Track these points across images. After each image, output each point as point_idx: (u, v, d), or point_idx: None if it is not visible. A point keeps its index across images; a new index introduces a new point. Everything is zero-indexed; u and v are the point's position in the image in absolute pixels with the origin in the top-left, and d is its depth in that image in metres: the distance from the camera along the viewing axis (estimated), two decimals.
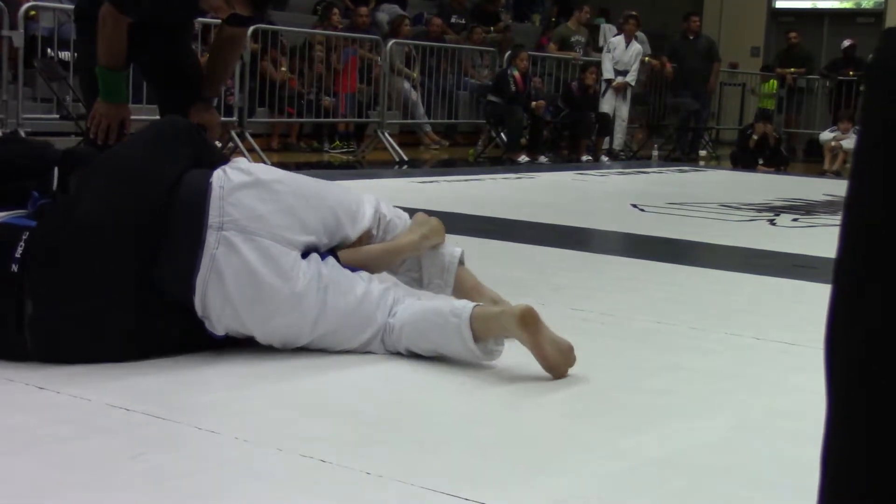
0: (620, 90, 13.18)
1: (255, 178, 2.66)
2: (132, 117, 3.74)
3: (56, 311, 2.51)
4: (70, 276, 2.52)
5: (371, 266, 2.87)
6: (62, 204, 2.59)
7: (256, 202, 2.62)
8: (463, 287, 3.00)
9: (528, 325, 2.57)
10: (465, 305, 2.66)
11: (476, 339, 2.61)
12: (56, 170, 2.65)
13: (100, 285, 2.52)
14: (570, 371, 2.64)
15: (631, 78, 13.20)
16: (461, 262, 3.02)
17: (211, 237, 2.56)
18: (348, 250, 2.85)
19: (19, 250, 2.50)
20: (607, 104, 13.24)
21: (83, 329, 2.52)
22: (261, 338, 2.66)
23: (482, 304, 2.74)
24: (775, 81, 16.20)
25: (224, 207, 2.58)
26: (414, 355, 2.73)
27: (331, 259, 2.74)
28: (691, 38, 13.95)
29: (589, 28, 14.59)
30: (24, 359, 2.52)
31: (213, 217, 2.57)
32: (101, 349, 2.54)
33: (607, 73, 13.15)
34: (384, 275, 2.98)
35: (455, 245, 3.07)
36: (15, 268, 2.50)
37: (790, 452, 2.15)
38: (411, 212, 3.12)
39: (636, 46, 13.32)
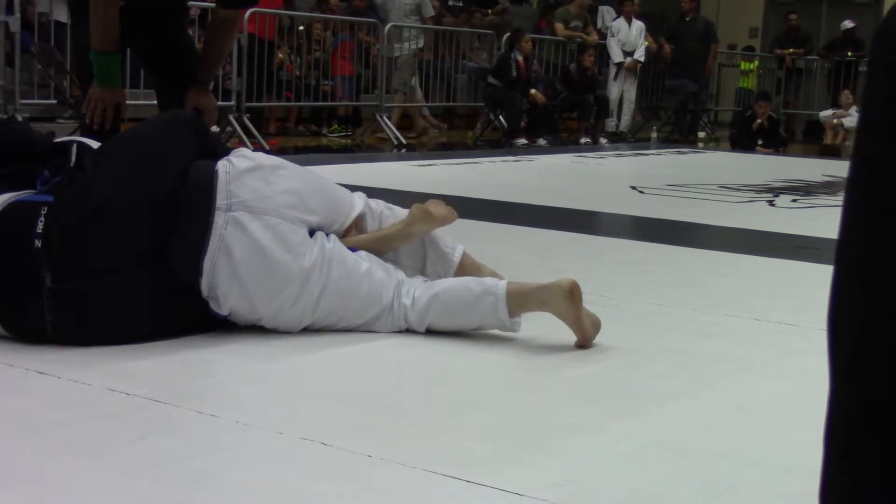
0: (632, 70, 13.18)
1: (258, 163, 2.73)
2: (130, 102, 3.73)
3: (74, 284, 2.53)
4: (88, 252, 2.55)
5: None
6: (79, 182, 2.61)
7: (261, 184, 2.68)
8: (462, 266, 3.06)
9: (576, 300, 2.69)
10: (498, 283, 2.75)
11: (510, 314, 2.72)
12: (75, 146, 2.67)
13: (116, 261, 2.56)
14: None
15: (639, 55, 13.22)
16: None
17: (219, 218, 2.61)
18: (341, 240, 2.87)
19: (40, 225, 2.53)
20: (616, 87, 13.23)
21: (100, 303, 2.55)
22: (266, 317, 2.68)
23: (514, 282, 2.80)
24: (744, 62, 16.19)
25: (231, 190, 2.64)
26: (414, 335, 2.75)
27: (333, 236, 2.78)
28: (688, 19, 13.92)
29: (589, 11, 14.55)
30: (41, 336, 2.53)
31: (221, 199, 2.63)
32: (117, 325, 2.58)
33: (616, 56, 13.15)
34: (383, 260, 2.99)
35: (456, 241, 3.12)
36: (38, 243, 2.53)
37: (792, 434, 2.15)
38: (413, 195, 3.13)
39: (638, 24, 13.34)
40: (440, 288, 2.78)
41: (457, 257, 3.06)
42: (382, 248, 2.94)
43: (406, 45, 11.83)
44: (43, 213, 2.55)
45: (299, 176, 2.79)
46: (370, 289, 2.75)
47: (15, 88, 8.74)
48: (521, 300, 2.72)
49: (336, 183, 3.00)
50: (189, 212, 2.61)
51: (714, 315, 3.25)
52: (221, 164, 2.70)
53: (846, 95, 12.97)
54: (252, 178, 2.67)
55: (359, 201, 2.98)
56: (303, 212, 2.71)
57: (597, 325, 2.78)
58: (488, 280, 2.80)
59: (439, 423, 2.15)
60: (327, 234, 2.77)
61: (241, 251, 2.60)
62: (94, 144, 2.77)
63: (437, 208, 3.03)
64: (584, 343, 2.74)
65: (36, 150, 2.78)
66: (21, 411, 2.11)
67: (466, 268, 3.06)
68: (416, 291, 2.78)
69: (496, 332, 2.79)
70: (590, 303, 2.99)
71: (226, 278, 2.61)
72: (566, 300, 2.68)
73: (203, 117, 3.78)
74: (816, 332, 2.74)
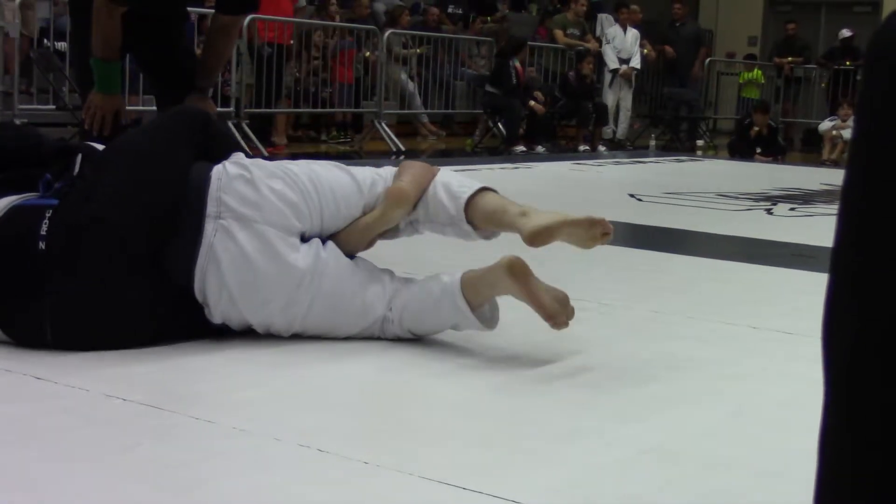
0: (627, 77, 13.21)
1: (249, 169, 2.69)
2: (129, 107, 3.75)
3: (76, 288, 2.53)
4: (89, 257, 2.54)
5: (351, 248, 2.80)
6: (80, 188, 2.62)
7: (251, 191, 2.64)
8: (485, 213, 2.88)
9: (518, 273, 2.60)
10: (453, 278, 2.69)
11: (472, 307, 2.65)
12: (79, 157, 2.67)
13: (116, 267, 2.56)
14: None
15: (635, 62, 13.26)
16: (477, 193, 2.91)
17: (209, 226, 2.60)
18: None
19: (44, 228, 2.54)
20: (612, 94, 13.26)
21: (101, 307, 2.55)
22: (256, 324, 2.68)
23: (469, 270, 2.70)
24: (745, 72, 16.20)
25: (221, 198, 2.63)
26: (412, 341, 2.76)
27: (331, 244, 2.74)
28: (678, 24, 14.00)
29: (587, 19, 14.57)
30: (40, 340, 2.53)
31: (211, 207, 2.62)
32: (117, 329, 2.57)
33: (612, 63, 13.18)
34: (378, 264, 2.91)
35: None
36: (42, 245, 2.53)
37: (787, 441, 2.15)
38: None
39: (633, 31, 13.38)
40: (408, 297, 2.73)
41: (463, 199, 2.85)
42: (364, 238, 2.80)
43: None
44: (48, 215, 2.55)
45: (294, 181, 2.70)
46: (363, 304, 2.71)
47: (14, 94, 8.74)
48: (474, 291, 2.66)
49: (349, 177, 2.79)
50: (182, 218, 2.61)
51: (711, 322, 3.25)
52: (216, 171, 2.68)
53: (845, 109, 12.97)
54: (242, 185, 2.65)
55: (387, 177, 2.80)
56: (294, 219, 2.66)
57: (561, 300, 2.62)
58: (446, 278, 2.70)
59: (436, 429, 2.15)
60: (324, 242, 2.73)
61: (229, 260, 2.59)
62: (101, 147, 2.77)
63: (410, 177, 2.79)
64: (549, 318, 2.59)
65: (38, 153, 2.78)
66: (17, 417, 2.11)
67: (489, 215, 2.88)
68: (396, 302, 2.74)
69: (494, 336, 2.78)
70: (587, 309, 3.00)
71: (215, 287, 2.60)
72: (509, 277, 2.61)
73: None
74: (813, 340, 2.73)
